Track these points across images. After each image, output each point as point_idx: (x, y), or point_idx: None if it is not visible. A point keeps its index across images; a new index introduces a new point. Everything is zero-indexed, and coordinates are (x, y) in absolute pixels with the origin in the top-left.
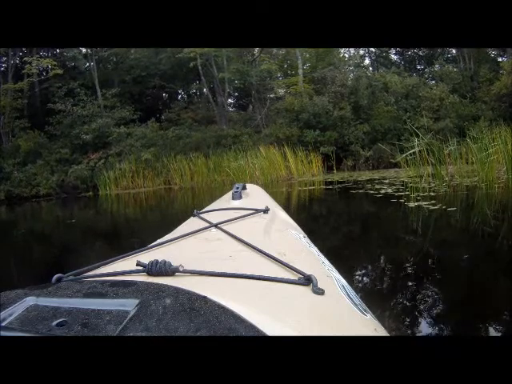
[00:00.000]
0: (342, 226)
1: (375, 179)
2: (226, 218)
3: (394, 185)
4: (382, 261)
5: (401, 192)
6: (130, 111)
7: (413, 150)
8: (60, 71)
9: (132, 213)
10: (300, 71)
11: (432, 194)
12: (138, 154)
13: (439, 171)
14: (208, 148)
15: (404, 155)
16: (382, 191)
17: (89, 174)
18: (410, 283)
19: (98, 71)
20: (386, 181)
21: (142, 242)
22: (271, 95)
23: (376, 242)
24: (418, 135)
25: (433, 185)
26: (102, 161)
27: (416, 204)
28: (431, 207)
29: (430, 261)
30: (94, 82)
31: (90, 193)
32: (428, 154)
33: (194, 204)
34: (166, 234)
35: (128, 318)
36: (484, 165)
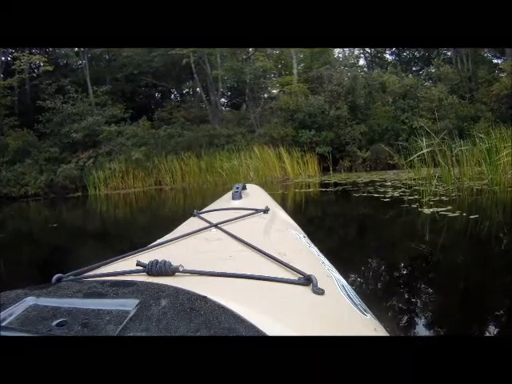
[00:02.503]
0: (350, 235)
1: (376, 181)
2: (226, 218)
3: (399, 187)
4: (400, 275)
5: (409, 196)
6: (122, 109)
7: (425, 150)
8: (50, 68)
9: (122, 215)
10: (294, 71)
11: (444, 198)
12: (128, 154)
13: (449, 173)
14: (200, 148)
15: (415, 156)
16: (388, 195)
17: (78, 174)
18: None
19: (90, 69)
20: (388, 183)
21: (134, 248)
22: (265, 95)
23: (389, 253)
24: (426, 135)
25: (441, 188)
26: (92, 160)
27: (431, 210)
28: (450, 214)
29: (454, 274)
30: (85, 79)
31: (79, 193)
32: (433, 156)
33: (185, 206)
34: (161, 236)
35: (128, 318)
36: (496, 167)
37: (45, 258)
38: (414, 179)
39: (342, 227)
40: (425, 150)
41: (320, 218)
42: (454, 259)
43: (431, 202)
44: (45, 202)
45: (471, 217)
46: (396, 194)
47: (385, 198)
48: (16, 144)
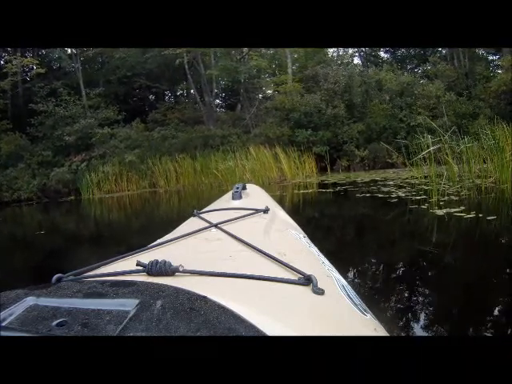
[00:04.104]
0: (358, 240)
1: (377, 181)
2: (226, 218)
3: (403, 187)
4: (417, 280)
5: (417, 196)
6: (115, 111)
7: (434, 147)
8: (42, 70)
9: (116, 219)
10: (289, 70)
11: (453, 197)
12: (121, 156)
13: (460, 171)
14: (195, 149)
15: (423, 153)
16: (393, 195)
17: (71, 178)
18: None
19: (84, 72)
20: (391, 182)
21: (130, 251)
22: (260, 95)
23: (402, 258)
24: (430, 132)
25: (447, 186)
26: (85, 163)
27: (444, 211)
28: (465, 215)
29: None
30: (78, 82)
31: (72, 197)
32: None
33: (180, 208)
34: (158, 238)
35: (128, 318)
36: (503, 165)
37: (35, 264)
38: (416, 178)
39: (348, 231)
40: (434, 147)
41: (324, 222)
42: (476, 264)
43: (441, 203)
44: (38, 206)
45: (489, 218)
46: (401, 193)
47: (390, 198)
48: (8, 148)
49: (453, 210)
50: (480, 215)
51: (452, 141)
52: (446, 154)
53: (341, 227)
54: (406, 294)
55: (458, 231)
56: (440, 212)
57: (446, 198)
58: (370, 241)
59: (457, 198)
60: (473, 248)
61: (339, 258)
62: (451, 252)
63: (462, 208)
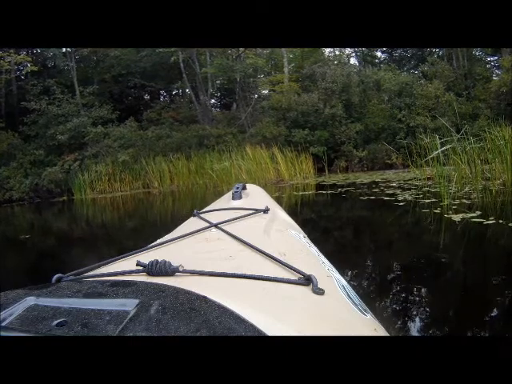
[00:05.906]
0: (371, 249)
1: (378, 182)
2: (226, 218)
3: (408, 189)
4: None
5: (425, 199)
6: (109, 110)
7: (447, 147)
8: (35, 68)
9: (109, 220)
10: (285, 69)
11: (465, 201)
12: (115, 156)
13: (466, 173)
14: (189, 149)
15: (434, 153)
16: (400, 197)
17: (63, 177)
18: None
19: (78, 70)
20: (394, 184)
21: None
22: (256, 95)
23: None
24: (435, 133)
25: (454, 189)
26: (78, 163)
27: (461, 217)
28: (485, 222)
29: None
30: (72, 80)
31: (65, 197)
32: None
33: (174, 209)
34: (154, 240)
35: (128, 318)
36: None
37: (25, 266)
38: (420, 179)
39: (351, 234)
40: (445, 148)
41: (326, 226)
42: (501, 274)
43: (454, 206)
44: (29, 206)
45: (510, 224)
46: (408, 196)
47: (397, 201)
48: (0, 147)
49: (469, 215)
50: (500, 221)
51: (459, 141)
52: (456, 155)
53: (344, 231)
54: (407, 295)
55: (481, 239)
56: (456, 217)
57: (458, 201)
58: (374, 244)
59: (469, 202)
60: (496, 256)
61: (341, 260)
62: (463, 258)
63: (479, 213)
